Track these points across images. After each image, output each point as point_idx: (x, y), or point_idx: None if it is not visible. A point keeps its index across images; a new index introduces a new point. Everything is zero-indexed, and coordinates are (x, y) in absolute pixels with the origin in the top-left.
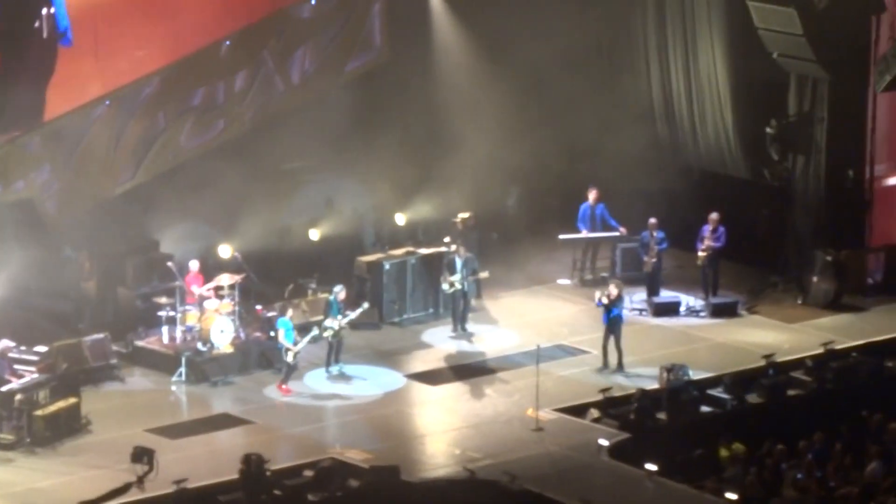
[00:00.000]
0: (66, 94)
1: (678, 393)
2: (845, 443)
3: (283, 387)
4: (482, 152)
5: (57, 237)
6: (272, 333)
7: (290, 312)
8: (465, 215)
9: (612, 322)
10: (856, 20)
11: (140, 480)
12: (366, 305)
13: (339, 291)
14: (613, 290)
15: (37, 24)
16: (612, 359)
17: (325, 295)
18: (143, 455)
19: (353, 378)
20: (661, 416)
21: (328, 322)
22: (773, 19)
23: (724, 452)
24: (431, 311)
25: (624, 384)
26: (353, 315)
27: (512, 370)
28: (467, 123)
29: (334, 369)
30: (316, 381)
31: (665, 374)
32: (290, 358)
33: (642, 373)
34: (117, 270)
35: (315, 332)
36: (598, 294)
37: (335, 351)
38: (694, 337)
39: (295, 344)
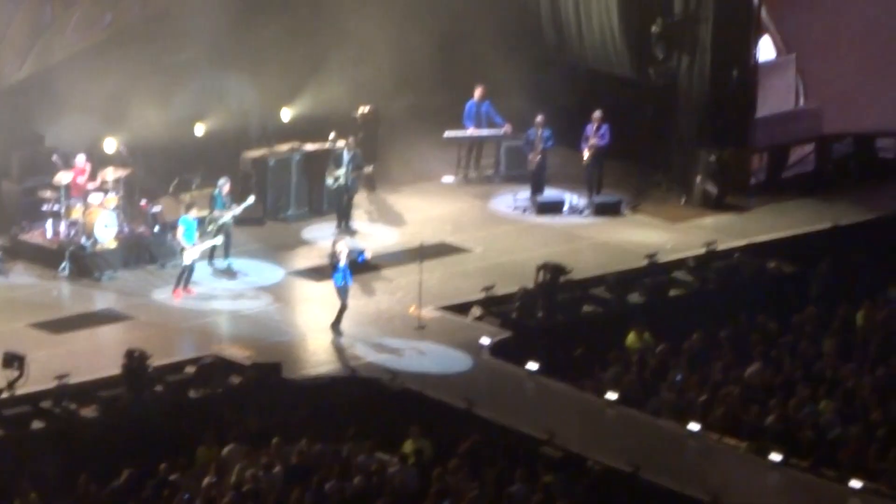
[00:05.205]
0: None
1: (553, 292)
2: (726, 343)
3: (178, 290)
4: (368, 50)
5: None
6: (156, 229)
7: (193, 212)
8: (366, 109)
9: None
10: None
11: (10, 386)
12: (252, 199)
13: (224, 184)
14: (339, 247)
15: None
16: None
17: (209, 190)
18: (13, 360)
19: (237, 273)
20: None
21: (214, 215)
22: None
23: (632, 339)
24: (316, 207)
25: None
26: (238, 209)
27: (395, 267)
28: (353, 21)
29: (222, 264)
30: (200, 275)
31: (540, 273)
32: (186, 259)
33: (524, 271)
34: (2, 163)
35: (218, 240)
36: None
37: (223, 245)
38: (577, 236)
39: (193, 246)
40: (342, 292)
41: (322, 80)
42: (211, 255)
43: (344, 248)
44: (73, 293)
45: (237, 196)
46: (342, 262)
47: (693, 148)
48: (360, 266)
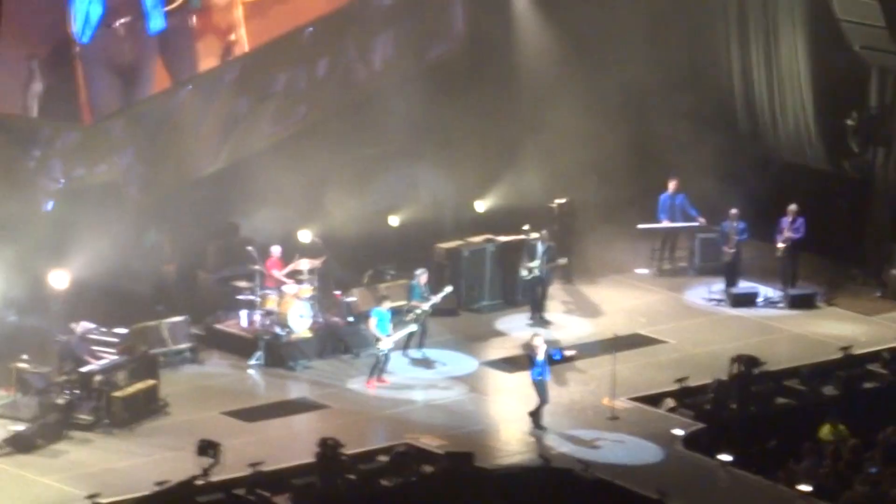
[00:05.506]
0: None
1: (748, 384)
2: None
3: (372, 380)
4: (561, 142)
5: (139, 220)
6: (351, 319)
7: (386, 303)
8: (562, 200)
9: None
10: None
11: (205, 473)
12: (450, 289)
13: (421, 275)
14: (537, 341)
15: None
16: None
17: (403, 281)
18: (208, 448)
19: (431, 363)
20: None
21: (412, 304)
22: (855, 10)
23: (826, 431)
24: (509, 298)
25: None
26: (437, 298)
27: (588, 359)
28: (546, 113)
29: (417, 354)
30: (394, 365)
31: (734, 365)
32: (380, 348)
33: (717, 363)
34: (198, 254)
35: (413, 328)
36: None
37: (419, 335)
38: (771, 328)
39: (388, 336)
40: (540, 386)
41: (516, 170)
42: (406, 344)
43: (541, 343)
44: (267, 382)
45: (433, 287)
46: (539, 357)
47: (889, 241)
48: (556, 361)
